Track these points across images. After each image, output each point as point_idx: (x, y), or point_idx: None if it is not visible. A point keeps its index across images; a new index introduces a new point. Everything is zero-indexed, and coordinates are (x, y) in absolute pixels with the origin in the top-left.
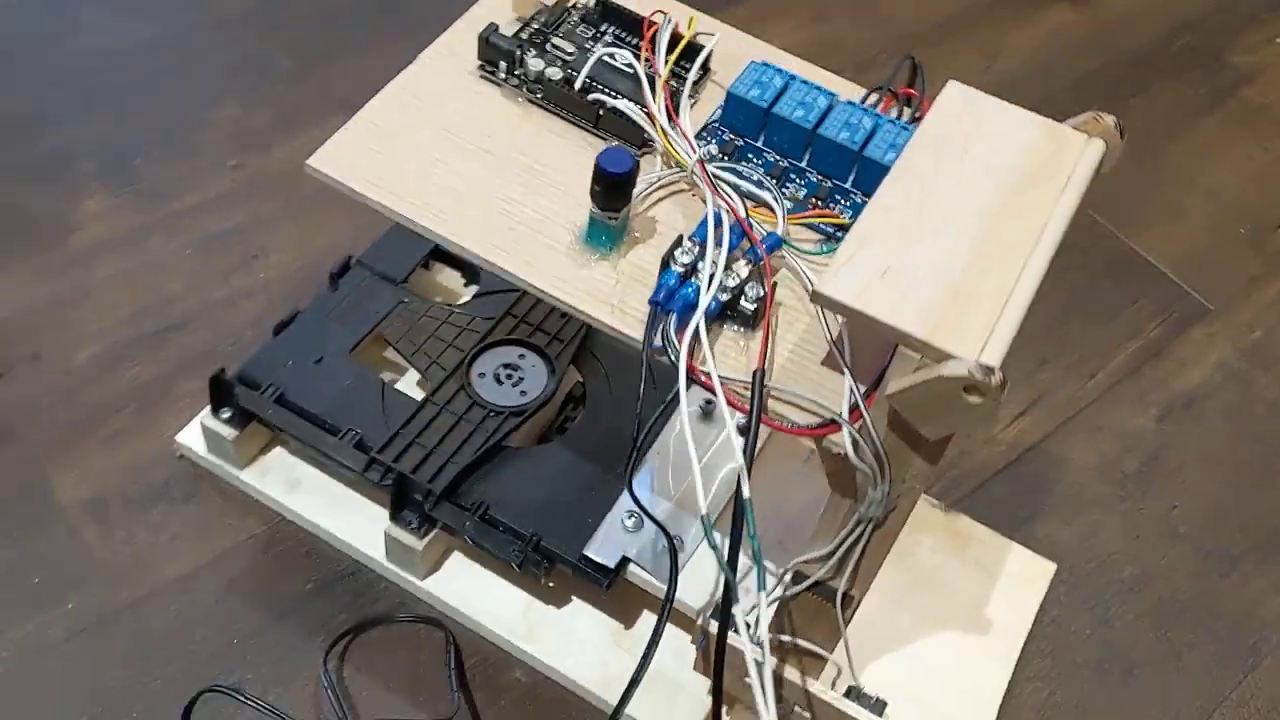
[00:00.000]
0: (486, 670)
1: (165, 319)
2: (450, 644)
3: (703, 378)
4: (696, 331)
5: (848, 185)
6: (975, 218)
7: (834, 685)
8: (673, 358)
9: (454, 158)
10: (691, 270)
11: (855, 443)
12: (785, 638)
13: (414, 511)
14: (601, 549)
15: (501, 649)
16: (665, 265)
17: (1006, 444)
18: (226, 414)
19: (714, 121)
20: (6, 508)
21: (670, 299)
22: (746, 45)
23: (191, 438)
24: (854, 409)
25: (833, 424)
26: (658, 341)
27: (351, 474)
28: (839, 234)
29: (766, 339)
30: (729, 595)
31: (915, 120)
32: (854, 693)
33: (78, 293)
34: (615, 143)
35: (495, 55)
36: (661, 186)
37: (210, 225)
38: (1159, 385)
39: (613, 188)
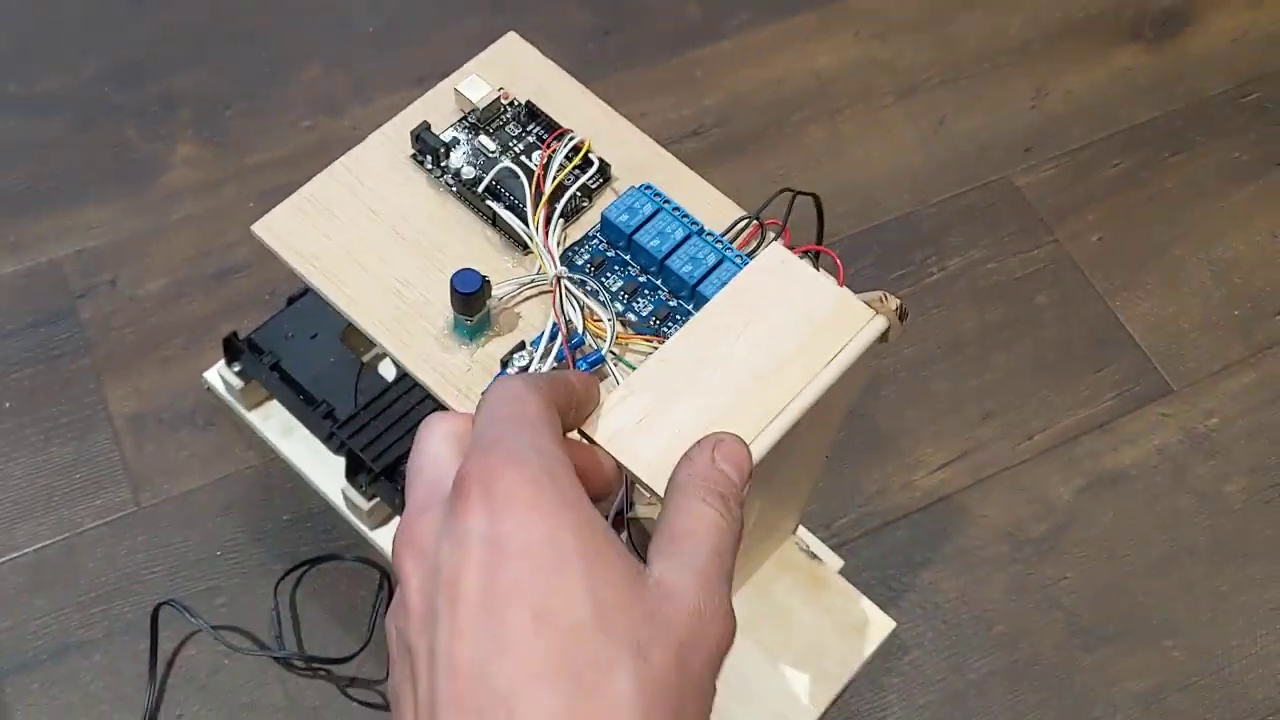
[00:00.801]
0: None
1: (223, 263)
2: (382, 587)
3: None
4: None
5: (690, 308)
6: (747, 377)
7: None
8: None
9: (371, 237)
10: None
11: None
12: None
13: (364, 477)
14: None
15: None
16: (504, 365)
17: (923, 491)
18: (236, 368)
19: (593, 232)
20: (71, 409)
21: None
22: (655, 160)
23: (214, 377)
24: (618, 515)
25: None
26: None
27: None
28: None
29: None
30: None
31: None
32: None
33: (157, 230)
34: (503, 241)
35: (424, 148)
36: (533, 286)
37: (275, 180)
38: (1092, 458)
39: (464, 301)
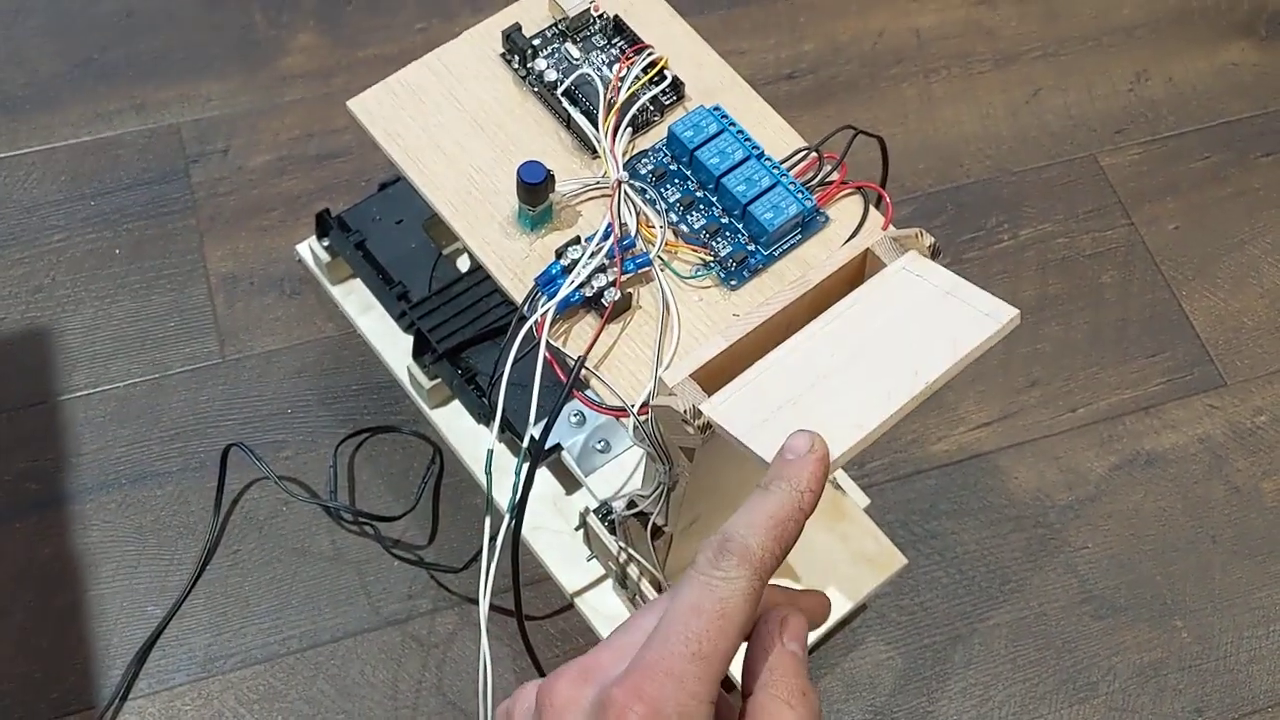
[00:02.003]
0: (456, 491)
1: (326, 146)
2: (434, 461)
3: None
4: (550, 309)
5: (739, 227)
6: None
7: (654, 587)
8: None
9: (453, 125)
10: (573, 265)
11: (637, 429)
12: (622, 544)
13: (429, 358)
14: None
15: (471, 479)
16: (557, 256)
17: (958, 445)
18: (325, 243)
19: (659, 145)
20: (173, 263)
21: (548, 283)
22: (729, 85)
23: (305, 250)
24: (644, 404)
25: (622, 410)
26: (526, 310)
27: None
28: (701, 269)
29: (599, 331)
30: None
31: (824, 183)
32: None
33: (269, 108)
34: (575, 143)
35: (513, 48)
36: (596, 188)
37: (383, 74)
38: (1132, 437)
39: (528, 191)
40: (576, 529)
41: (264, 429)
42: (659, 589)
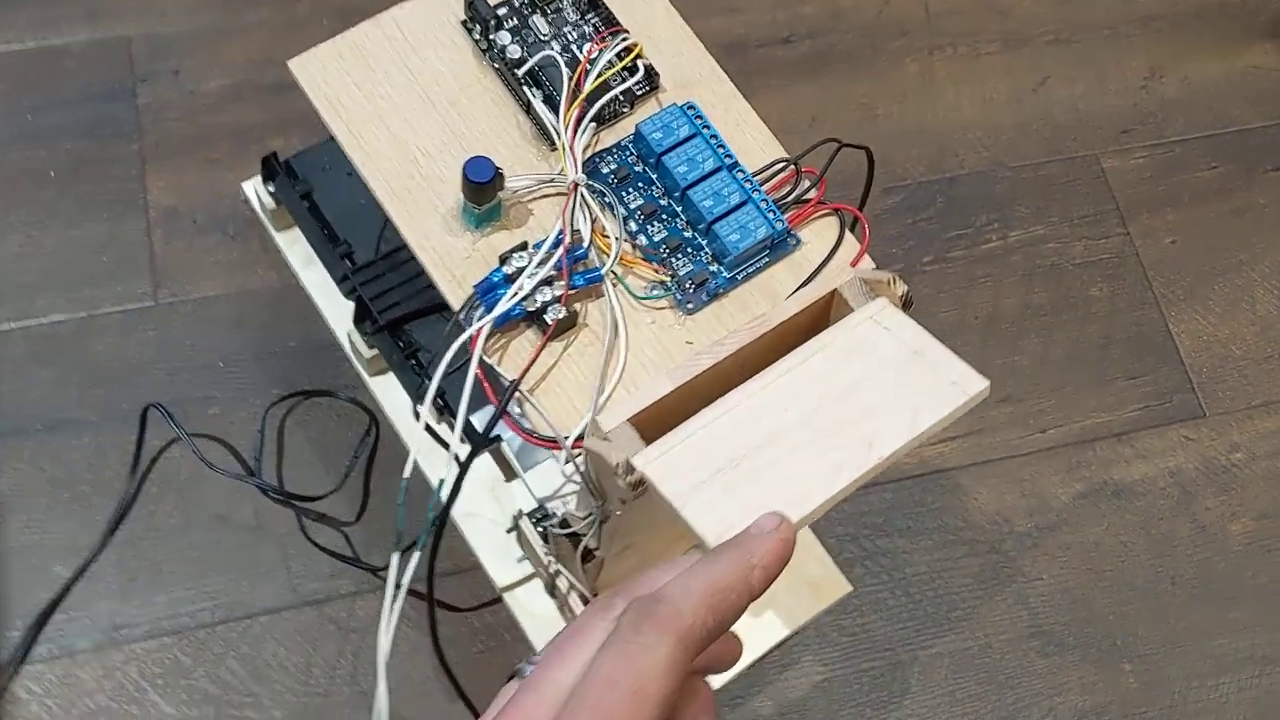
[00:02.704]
0: (391, 464)
1: (284, 76)
2: (369, 433)
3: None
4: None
5: (703, 244)
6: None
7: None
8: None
9: (402, 98)
10: (517, 275)
11: (570, 462)
12: (552, 557)
13: (369, 326)
14: (483, 420)
15: (405, 454)
16: (501, 262)
17: (920, 459)
18: (271, 188)
19: (626, 142)
20: (111, 190)
21: (488, 292)
22: (708, 79)
23: (251, 190)
24: (579, 438)
25: (553, 442)
26: (463, 319)
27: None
28: (657, 288)
29: (539, 352)
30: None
31: (800, 201)
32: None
33: (228, 29)
34: (534, 130)
35: (475, 16)
36: (551, 185)
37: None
38: (1101, 465)
39: (474, 189)
40: (509, 531)
41: (193, 382)
42: (586, 600)
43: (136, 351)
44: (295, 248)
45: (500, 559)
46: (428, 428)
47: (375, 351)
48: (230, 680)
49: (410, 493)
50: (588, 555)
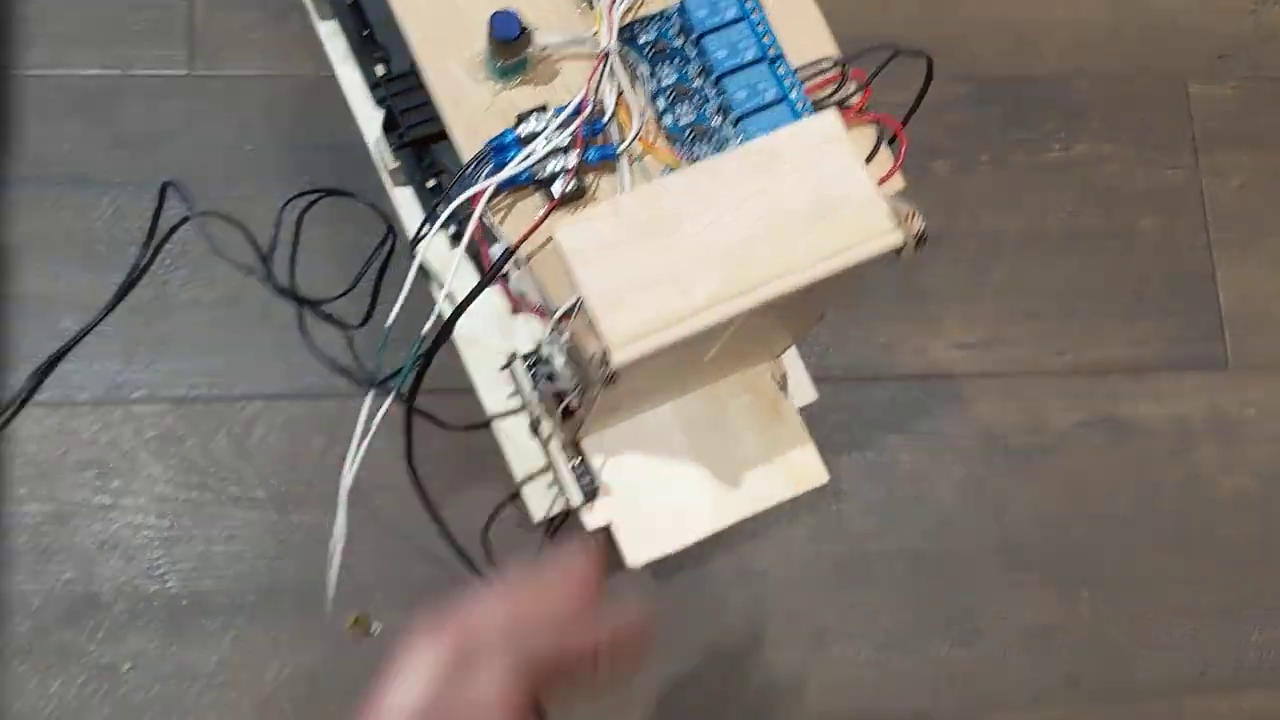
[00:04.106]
0: (399, 276)
1: None
2: (385, 241)
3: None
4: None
5: (728, 136)
6: (736, 240)
7: (568, 451)
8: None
9: None
10: (530, 138)
11: (552, 338)
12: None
13: (394, 138)
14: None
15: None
16: (518, 121)
17: (929, 361)
18: None
19: (669, 13)
20: None
21: (499, 151)
22: None
23: None
24: (566, 314)
25: (541, 311)
26: (469, 174)
27: None
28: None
29: (541, 220)
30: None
31: (843, 106)
32: (581, 464)
33: None
34: None
35: None
36: (583, 48)
37: None
38: (1108, 399)
39: (498, 45)
40: (501, 369)
41: (218, 161)
42: (565, 452)
43: (166, 120)
44: (335, 40)
45: (494, 387)
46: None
47: (397, 164)
48: (219, 455)
49: (417, 302)
50: (568, 412)
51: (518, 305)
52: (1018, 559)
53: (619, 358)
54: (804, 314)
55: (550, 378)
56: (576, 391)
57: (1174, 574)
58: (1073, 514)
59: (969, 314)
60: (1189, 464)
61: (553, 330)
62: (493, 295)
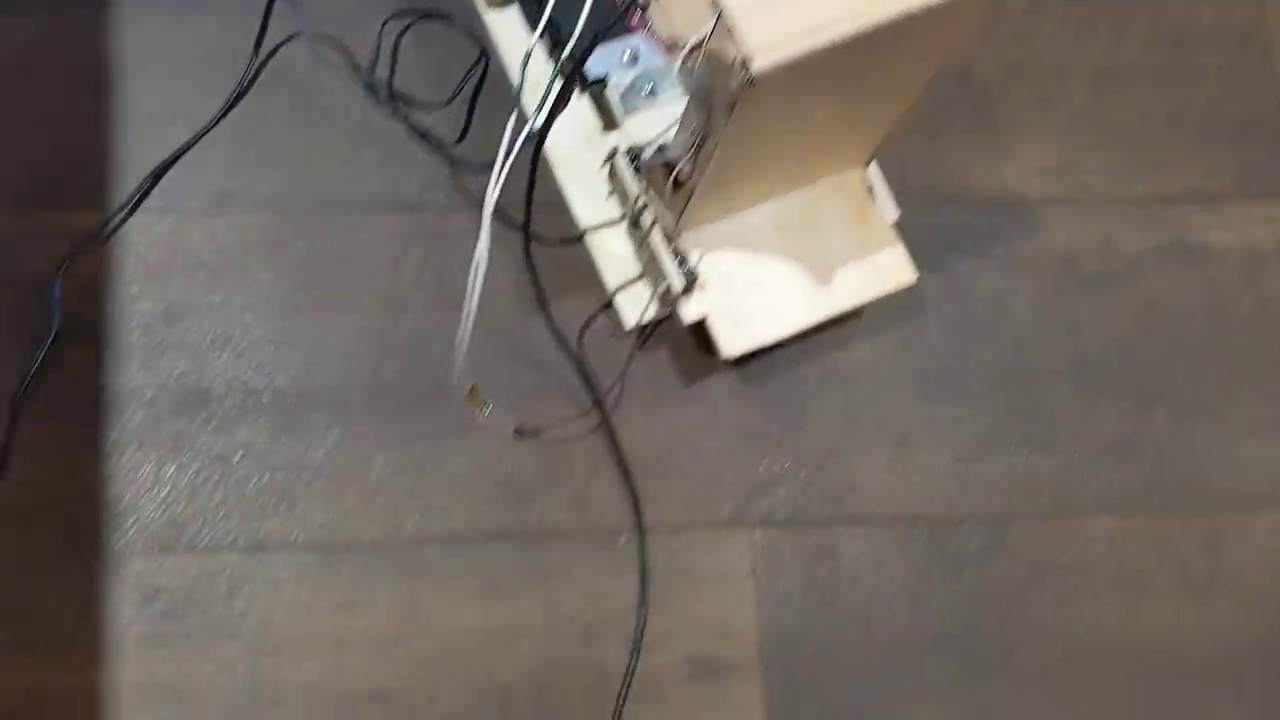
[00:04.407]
0: (494, 101)
1: None
2: (478, 63)
3: None
4: None
5: None
6: None
7: (669, 240)
8: None
9: None
10: None
11: (684, 68)
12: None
13: None
14: (594, 63)
15: (513, 94)
16: None
17: (1003, 186)
18: None
19: None
20: None
21: None
22: None
23: None
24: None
25: (674, 44)
26: None
27: None
28: None
29: None
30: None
31: None
32: (678, 254)
33: None
34: None
35: None
36: None
37: None
38: (1179, 226)
39: None
40: (602, 166)
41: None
42: (669, 238)
43: None
44: None
45: (587, 200)
46: (549, 25)
47: None
48: (323, 262)
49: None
50: (678, 185)
51: (635, 27)
52: (1094, 376)
53: (760, 63)
54: (917, 72)
55: (660, 149)
56: (692, 151)
57: (1247, 396)
58: (1147, 336)
59: (1041, 141)
60: (1260, 291)
61: (683, 63)
62: (585, 112)
